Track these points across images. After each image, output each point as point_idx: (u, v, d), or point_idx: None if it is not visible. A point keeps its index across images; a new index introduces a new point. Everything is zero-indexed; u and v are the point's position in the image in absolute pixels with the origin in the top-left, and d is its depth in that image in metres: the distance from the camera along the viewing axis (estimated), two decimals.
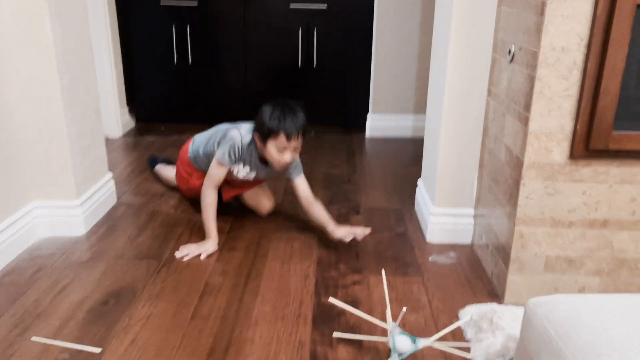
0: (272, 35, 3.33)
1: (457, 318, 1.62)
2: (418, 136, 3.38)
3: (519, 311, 1.62)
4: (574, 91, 1.48)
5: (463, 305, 1.68)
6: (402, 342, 1.39)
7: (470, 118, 1.96)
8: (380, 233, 2.16)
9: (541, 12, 1.44)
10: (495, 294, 1.75)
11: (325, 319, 1.62)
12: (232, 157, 1.99)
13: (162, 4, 3.27)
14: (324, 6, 3.26)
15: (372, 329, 1.56)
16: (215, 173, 2.02)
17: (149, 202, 2.42)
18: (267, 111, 1.91)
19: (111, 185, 2.39)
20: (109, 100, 3.23)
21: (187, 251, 1.96)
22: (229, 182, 2.16)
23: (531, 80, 1.51)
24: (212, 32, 3.35)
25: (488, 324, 1.56)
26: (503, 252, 1.73)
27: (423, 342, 1.41)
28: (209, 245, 1.99)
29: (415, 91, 3.36)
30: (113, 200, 2.40)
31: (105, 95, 3.20)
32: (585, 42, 1.43)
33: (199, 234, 2.11)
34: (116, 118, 3.31)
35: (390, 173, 2.85)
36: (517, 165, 1.61)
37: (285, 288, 1.77)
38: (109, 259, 1.93)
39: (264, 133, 1.91)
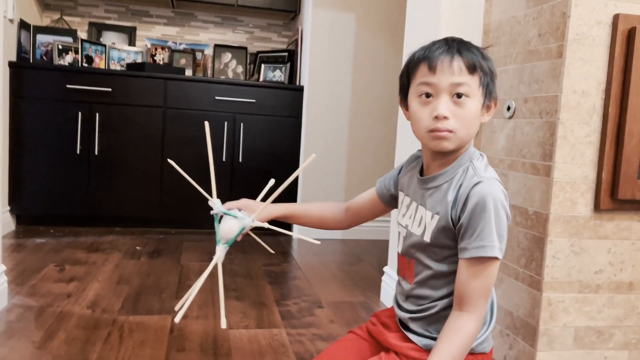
0: (194, 126, 3.06)
1: None
2: (348, 238, 3.19)
3: None
4: (596, 137, 1.40)
5: None
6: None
7: None
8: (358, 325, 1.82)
9: (559, 55, 1.39)
10: None
11: None
12: (387, 177, 1.11)
13: (68, 87, 2.89)
14: (252, 99, 3.11)
15: None
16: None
17: (53, 302, 1.87)
18: None
19: (3, 282, 1.82)
20: None
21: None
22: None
23: (551, 126, 1.41)
24: (125, 121, 2.99)
25: None
26: (525, 328, 1.49)
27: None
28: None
29: (345, 188, 3.22)
30: (3, 303, 1.81)
31: None
32: (603, 86, 1.39)
33: (133, 335, 1.62)
34: None
35: (337, 270, 2.56)
36: (539, 222, 1.45)
37: None
38: None
39: (401, 85, 0.97)
